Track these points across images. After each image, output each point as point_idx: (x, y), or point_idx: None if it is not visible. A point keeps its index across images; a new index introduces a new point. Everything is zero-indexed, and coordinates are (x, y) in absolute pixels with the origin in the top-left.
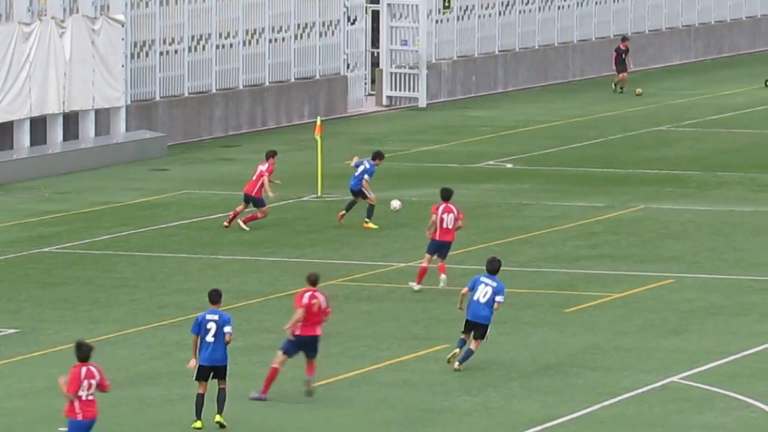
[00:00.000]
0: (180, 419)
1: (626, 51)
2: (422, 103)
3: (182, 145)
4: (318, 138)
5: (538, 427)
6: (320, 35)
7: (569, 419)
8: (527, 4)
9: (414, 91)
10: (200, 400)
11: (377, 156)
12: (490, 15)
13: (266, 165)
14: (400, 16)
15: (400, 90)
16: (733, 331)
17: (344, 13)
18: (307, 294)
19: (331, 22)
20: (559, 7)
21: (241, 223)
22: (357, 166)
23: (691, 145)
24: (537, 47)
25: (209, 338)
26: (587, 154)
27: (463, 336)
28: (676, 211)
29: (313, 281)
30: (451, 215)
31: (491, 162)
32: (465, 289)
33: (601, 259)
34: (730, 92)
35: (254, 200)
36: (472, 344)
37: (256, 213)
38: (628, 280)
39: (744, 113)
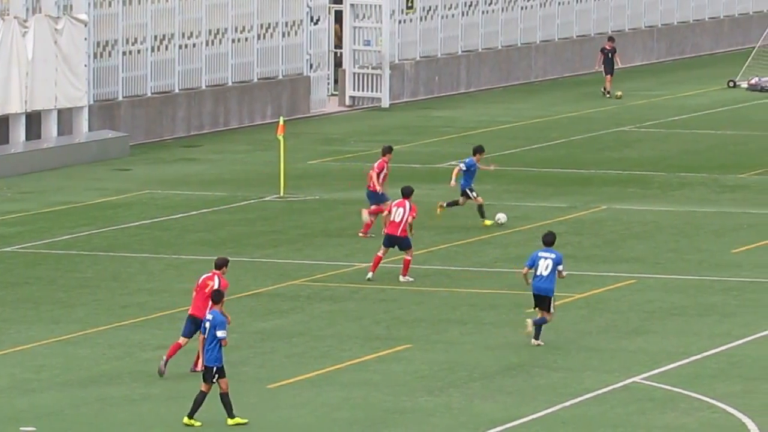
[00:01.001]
0: (142, 419)
1: (613, 51)
2: (385, 103)
3: (145, 145)
4: (280, 138)
5: (500, 428)
6: (283, 35)
7: (531, 419)
8: (490, 4)
9: (377, 91)
10: (199, 397)
11: (477, 151)
12: (453, 15)
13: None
14: (363, 17)
15: (362, 90)
16: (694, 332)
17: (307, 13)
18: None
19: (294, 22)
20: (522, 8)
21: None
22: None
23: (653, 146)
24: (500, 48)
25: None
26: (550, 154)
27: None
28: (639, 212)
29: (218, 265)
30: (400, 210)
31: (453, 162)
32: (525, 269)
33: (564, 259)
34: (692, 93)
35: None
36: (546, 316)
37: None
38: (591, 281)
39: (706, 114)
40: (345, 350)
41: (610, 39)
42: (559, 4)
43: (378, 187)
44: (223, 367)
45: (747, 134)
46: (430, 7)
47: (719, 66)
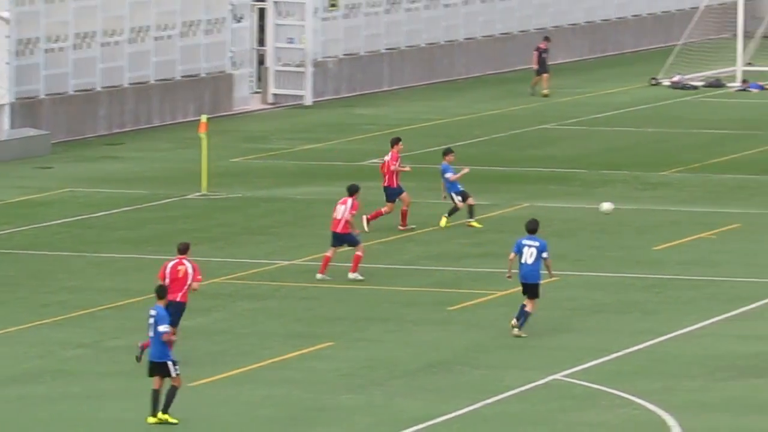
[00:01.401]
0: (62, 417)
1: (546, 50)
2: (308, 100)
3: (67, 143)
4: (203, 136)
5: (422, 425)
6: (206, 33)
7: (452, 417)
8: (413, 2)
9: (300, 89)
10: (153, 395)
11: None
12: (376, 13)
13: (390, 155)
14: (287, 14)
15: (285, 88)
16: (616, 329)
17: (230, 10)
18: (172, 263)
19: (216, 20)
20: (445, 6)
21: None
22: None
23: (576, 143)
24: (423, 45)
25: (150, 333)
26: (473, 152)
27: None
28: (561, 210)
29: (181, 249)
30: (342, 207)
31: (376, 160)
32: (512, 255)
33: (486, 257)
34: (615, 91)
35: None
36: (528, 305)
37: (380, 209)
38: (513, 278)
39: (629, 112)
40: (267, 348)
41: (546, 39)
42: (482, 1)
43: (396, 182)
44: (166, 363)
45: (669, 132)
46: (353, 5)
47: (642, 64)
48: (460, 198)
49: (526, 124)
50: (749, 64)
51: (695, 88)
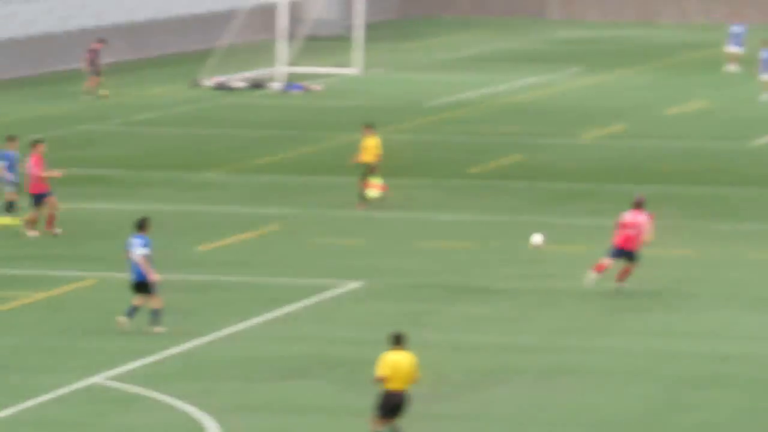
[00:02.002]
0: None
1: (98, 52)
2: None
3: None
4: None
5: None
6: None
7: None
8: None
9: None
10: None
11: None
12: None
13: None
14: None
15: None
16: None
17: None
18: None
19: None
20: None
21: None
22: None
23: (117, 145)
24: None
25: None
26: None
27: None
28: (101, 211)
29: None
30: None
31: None
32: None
33: (25, 259)
34: (156, 92)
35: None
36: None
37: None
38: (52, 281)
39: (171, 113)
40: None
41: (101, 40)
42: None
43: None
44: None
45: (211, 133)
46: None
47: (185, 65)
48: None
49: (66, 125)
50: (291, 65)
51: (238, 89)
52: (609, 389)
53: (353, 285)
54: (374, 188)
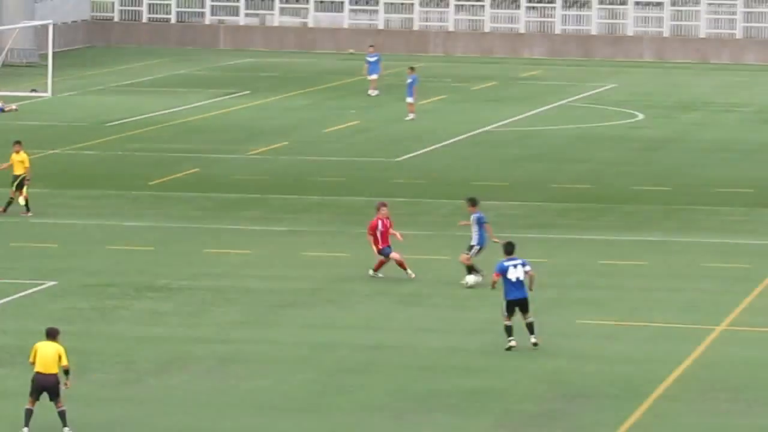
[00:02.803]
0: None
1: None
2: None
3: None
4: None
5: None
6: None
7: None
8: None
9: None
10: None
11: None
12: None
13: None
14: None
15: None
16: None
17: None
18: None
19: None
20: None
21: None
22: None
23: None
24: None
25: None
26: None
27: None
28: None
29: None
30: None
31: None
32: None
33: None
34: None
35: None
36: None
37: None
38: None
39: None
40: None
41: None
42: None
43: None
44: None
45: None
46: None
47: None
48: None
49: None
50: None
51: None
52: (277, 376)
53: (49, 284)
54: (23, 196)
